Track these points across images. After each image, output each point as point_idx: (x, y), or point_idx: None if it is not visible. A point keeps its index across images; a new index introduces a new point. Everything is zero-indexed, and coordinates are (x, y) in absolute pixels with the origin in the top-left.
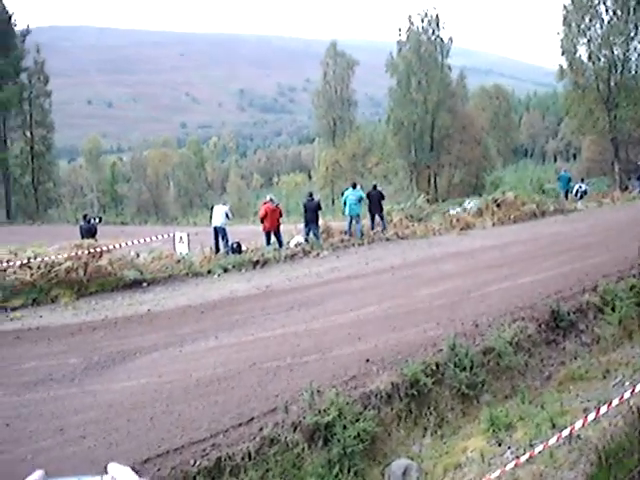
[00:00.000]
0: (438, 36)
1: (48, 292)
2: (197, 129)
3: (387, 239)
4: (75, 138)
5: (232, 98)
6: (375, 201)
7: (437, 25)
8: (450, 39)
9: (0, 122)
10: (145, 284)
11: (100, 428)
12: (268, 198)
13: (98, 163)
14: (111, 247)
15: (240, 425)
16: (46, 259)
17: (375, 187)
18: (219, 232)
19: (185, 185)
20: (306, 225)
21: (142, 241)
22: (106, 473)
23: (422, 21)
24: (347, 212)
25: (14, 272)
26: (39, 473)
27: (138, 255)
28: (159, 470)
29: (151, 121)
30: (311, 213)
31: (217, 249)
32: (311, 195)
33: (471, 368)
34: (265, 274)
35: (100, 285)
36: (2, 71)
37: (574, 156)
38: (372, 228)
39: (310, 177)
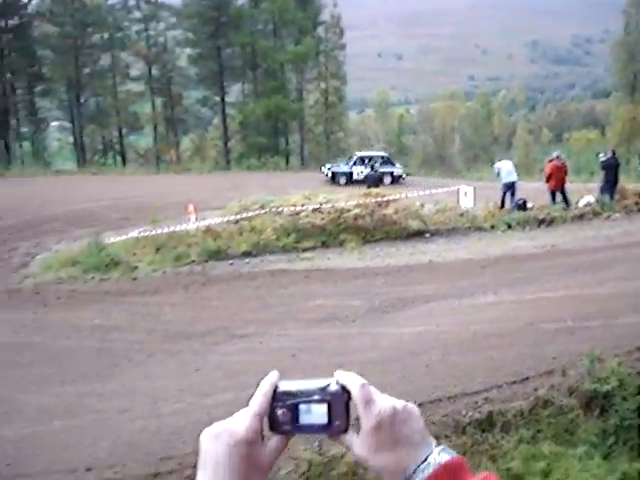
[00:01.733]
0: None
1: (336, 236)
2: (485, 82)
3: None
4: (365, 90)
5: (523, 49)
6: None
7: None
8: None
9: (298, 74)
10: (428, 235)
11: (377, 369)
12: (555, 155)
13: (386, 115)
14: (397, 197)
15: (514, 383)
16: (336, 205)
17: None
18: (509, 188)
19: (470, 138)
20: (604, 184)
21: (427, 192)
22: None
23: None
24: None
25: (307, 216)
26: (274, 374)
27: (422, 206)
28: (430, 416)
29: (439, 74)
30: (610, 172)
31: (502, 205)
32: (614, 153)
33: None
34: (550, 233)
35: (385, 233)
36: (301, 25)
37: None
38: None
39: (604, 134)
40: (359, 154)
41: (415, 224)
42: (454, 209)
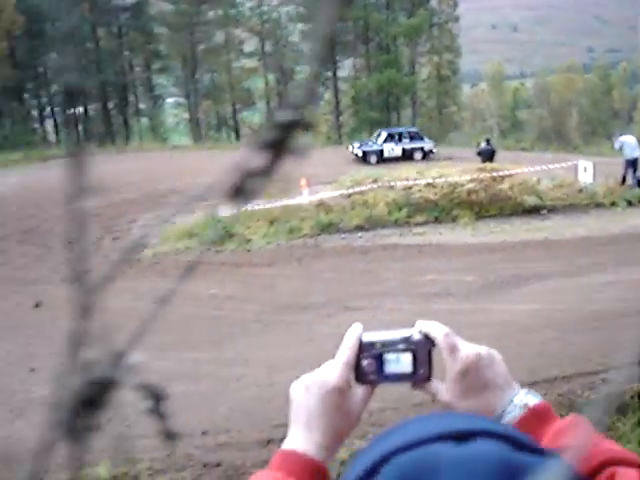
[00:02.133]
0: None
1: (449, 212)
2: (605, 53)
3: None
4: (478, 63)
5: None
6: None
7: None
8: None
9: (411, 48)
10: (544, 211)
11: (490, 345)
12: None
13: (500, 88)
14: (512, 172)
15: (634, 364)
16: (449, 180)
17: None
18: (631, 164)
19: (588, 113)
20: None
21: (544, 167)
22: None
23: None
24: None
25: (419, 190)
26: (358, 325)
27: (539, 181)
28: (545, 395)
29: (556, 45)
30: None
31: (623, 181)
32: None
33: None
34: None
35: (499, 208)
36: None
37: None
38: None
39: None
40: (386, 131)
41: (531, 200)
42: (572, 185)
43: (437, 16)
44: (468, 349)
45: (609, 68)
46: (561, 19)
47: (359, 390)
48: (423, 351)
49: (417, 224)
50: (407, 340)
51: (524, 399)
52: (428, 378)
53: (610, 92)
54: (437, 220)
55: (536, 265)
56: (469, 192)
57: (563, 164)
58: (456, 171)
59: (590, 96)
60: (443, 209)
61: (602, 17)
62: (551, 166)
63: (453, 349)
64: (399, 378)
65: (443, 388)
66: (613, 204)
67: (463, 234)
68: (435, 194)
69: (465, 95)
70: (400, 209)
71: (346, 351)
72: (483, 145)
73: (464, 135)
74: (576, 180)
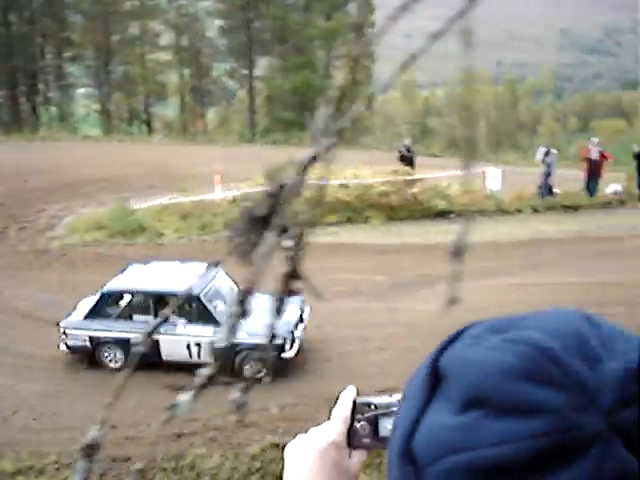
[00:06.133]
0: None
1: (361, 212)
2: (513, 67)
3: None
4: (391, 70)
5: (552, 37)
6: None
7: None
8: None
9: (327, 50)
10: (453, 215)
11: (399, 344)
12: (595, 142)
13: (412, 96)
14: (424, 176)
15: None
16: (363, 182)
17: None
18: (548, 175)
19: (496, 123)
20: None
21: (453, 174)
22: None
23: None
24: None
25: (332, 191)
26: (352, 388)
27: (449, 187)
28: None
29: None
30: None
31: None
32: None
33: None
34: (575, 219)
35: (410, 211)
36: (333, 1)
37: None
38: None
39: (631, 125)
40: None
41: (441, 204)
42: (479, 191)
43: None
44: None
45: (516, 81)
46: (473, 31)
47: (354, 453)
48: None
49: (330, 224)
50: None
51: None
52: None
53: (516, 105)
54: (350, 221)
55: (443, 267)
56: (381, 194)
57: (474, 171)
58: (369, 173)
59: (498, 107)
60: (355, 210)
61: (512, 32)
62: (459, 172)
63: None
64: None
65: None
66: (519, 211)
67: (374, 235)
68: (348, 195)
69: (378, 101)
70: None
71: (342, 410)
72: (404, 150)
73: (376, 139)
74: (483, 186)
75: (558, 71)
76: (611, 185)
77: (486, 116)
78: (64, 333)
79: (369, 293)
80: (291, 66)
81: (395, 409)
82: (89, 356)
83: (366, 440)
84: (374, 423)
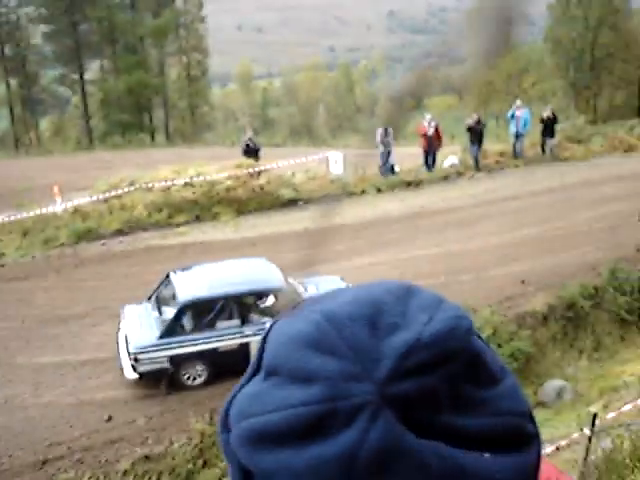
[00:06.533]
0: None
1: (210, 209)
2: (346, 52)
3: (546, 161)
4: (227, 64)
5: (381, 20)
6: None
7: None
8: None
9: (158, 48)
10: (301, 203)
11: None
12: (427, 117)
13: (249, 88)
14: (268, 167)
15: None
16: (208, 178)
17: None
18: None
19: (335, 108)
20: (470, 146)
21: (297, 161)
22: None
23: None
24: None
25: (178, 190)
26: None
27: (294, 175)
28: None
29: (300, 45)
30: (475, 135)
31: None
32: (479, 118)
33: (632, 293)
34: (418, 195)
35: (258, 203)
36: None
37: None
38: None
39: (461, 98)
40: None
41: (287, 193)
42: (325, 176)
43: (183, 17)
44: None
45: (350, 66)
46: (303, 20)
47: None
48: None
49: (179, 224)
50: None
51: None
52: None
53: (353, 89)
54: (198, 219)
55: (297, 255)
56: (228, 189)
57: (315, 157)
58: (214, 169)
59: (335, 93)
60: (203, 207)
61: (342, 18)
62: (304, 159)
63: None
64: None
65: None
66: (364, 192)
67: (225, 231)
68: (194, 193)
69: (216, 95)
70: (160, 210)
71: None
72: (248, 143)
73: (219, 135)
74: (328, 172)
75: (389, 53)
76: (449, 158)
77: (324, 102)
78: (135, 360)
79: None
80: (123, 67)
81: None
82: (168, 379)
83: None
84: None
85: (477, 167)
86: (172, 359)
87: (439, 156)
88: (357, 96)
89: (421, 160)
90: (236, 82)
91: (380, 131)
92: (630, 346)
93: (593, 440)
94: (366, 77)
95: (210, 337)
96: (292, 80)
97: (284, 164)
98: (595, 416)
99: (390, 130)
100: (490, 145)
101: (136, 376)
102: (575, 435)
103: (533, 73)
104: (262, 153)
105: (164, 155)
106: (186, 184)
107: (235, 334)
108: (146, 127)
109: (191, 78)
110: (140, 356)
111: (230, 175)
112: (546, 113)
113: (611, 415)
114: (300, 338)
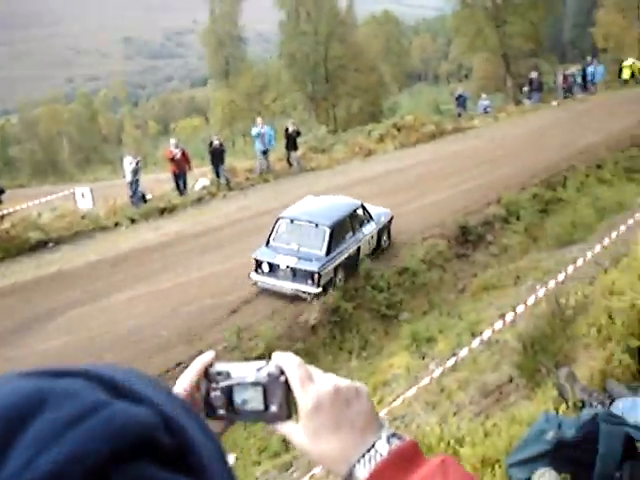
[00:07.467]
0: None
1: None
2: (85, 82)
3: (294, 173)
4: None
5: (117, 47)
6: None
7: None
8: None
9: None
10: (51, 244)
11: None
12: (173, 143)
13: None
14: (11, 210)
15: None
16: None
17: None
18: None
19: (79, 141)
20: (214, 168)
21: (43, 200)
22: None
23: None
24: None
25: None
26: (210, 353)
27: (40, 215)
28: None
29: (35, 79)
30: (217, 156)
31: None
32: (217, 140)
33: (388, 289)
34: (174, 220)
35: (5, 250)
36: None
37: (466, 76)
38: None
39: (207, 120)
40: None
41: (35, 235)
42: (73, 213)
43: None
44: (323, 382)
45: (90, 95)
46: (36, 52)
47: (210, 424)
48: (276, 386)
49: None
50: (258, 372)
51: (385, 445)
52: (287, 417)
53: (96, 118)
54: None
55: (55, 299)
56: None
57: (62, 194)
58: None
59: (77, 124)
60: None
61: (76, 48)
62: (50, 197)
63: (304, 381)
64: (250, 415)
65: (297, 428)
66: (117, 224)
67: None
68: None
69: None
70: None
71: (188, 374)
72: None
73: None
74: (76, 208)
75: (129, 79)
76: (199, 180)
77: (67, 135)
78: (319, 276)
79: None
80: None
81: (249, 379)
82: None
83: (222, 411)
84: (228, 393)
85: (229, 186)
86: (335, 268)
87: (190, 179)
88: (102, 125)
89: (172, 185)
90: None
91: (128, 160)
92: (394, 339)
93: None
94: (108, 105)
95: (349, 245)
96: (30, 115)
97: (29, 205)
98: None
99: (136, 158)
100: (239, 163)
101: (320, 290)
102: None
103: (272, 89)
104: (4, 196)
105: None
106: None
107: (353, 242)
108: None
109: None
110: (323, 272)
111: None
112: (290, 127)
113: (385, 410)
114: None
